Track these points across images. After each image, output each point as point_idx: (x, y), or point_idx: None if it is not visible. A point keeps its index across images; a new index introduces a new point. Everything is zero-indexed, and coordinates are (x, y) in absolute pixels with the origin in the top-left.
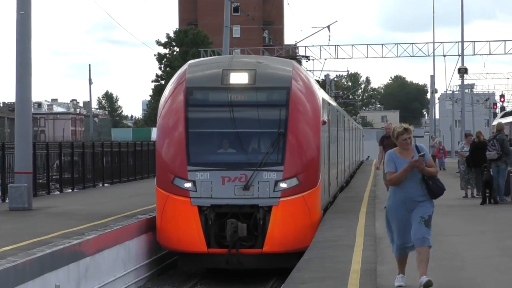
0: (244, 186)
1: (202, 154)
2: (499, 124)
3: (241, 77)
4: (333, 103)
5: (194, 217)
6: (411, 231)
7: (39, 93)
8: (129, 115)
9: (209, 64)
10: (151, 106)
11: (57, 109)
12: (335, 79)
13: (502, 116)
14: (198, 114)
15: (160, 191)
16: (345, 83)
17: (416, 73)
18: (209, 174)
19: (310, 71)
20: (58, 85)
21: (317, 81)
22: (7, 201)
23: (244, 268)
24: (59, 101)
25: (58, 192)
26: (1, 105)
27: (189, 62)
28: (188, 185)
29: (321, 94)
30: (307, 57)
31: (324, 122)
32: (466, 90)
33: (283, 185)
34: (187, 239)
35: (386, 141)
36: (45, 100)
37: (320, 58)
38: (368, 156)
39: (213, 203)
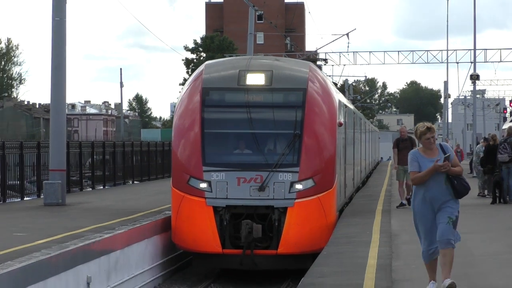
0: (259, 187)
1: (217, 155)
2: (510, 127)
3: (258, 78)
4: (350, 106)
5: (209, 218)
6: (437, 231)
7: (73, 95)
8: (158, 117)
9: (226, 65)
10: None
11: (90, 110)
12: (353, 84)
13: None
14: (214, 115)
15: (175, 191)
16: (362, 87)
17: (430, 79)
18: (225, 175)
19: (330, 76)
20: (91, 87)
21: (335, 83)
22: (42, 196)
23: (258, 269)
24: (92, 102)
25: (90, 189)
26: (37, 106)
27: (206, 62)
28: (203, 185)
29: (337, 96)
30: (325, 60)
31: (340, 124)
32: (478, 96)
33: (298, 186)
34: (202, 239)
35: (402, 144)
36: (79, 102)
37: (340, 64)
38: (382, 158)
39: (228, 203)
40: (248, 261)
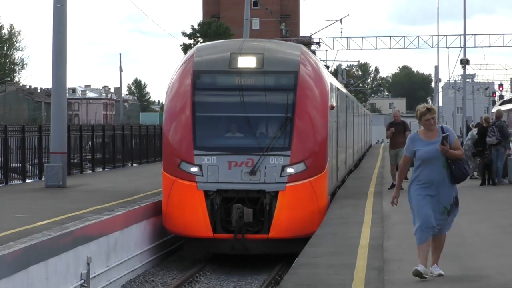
0: (250, 171)
1: (208, 138)
2: (499, 111)
3: (249, 61)
4: (343, 89)
5: (200, 202)
6: (434, 219)
7: (74, 80)
8: (157, 101)
9: (217, 48)
10: None
11: (90, 94)
12: (347, 68)
13: (501, 104)
14: (205, 98)
15: (166, 176)
16: (355, 72)
17: (421, 63)
18: (216, 159)
19: (323, 60)
20: (91, 72)
21: (327, 67)
22: (43, 179)
23: (250, 254)
24: (92, 87)
25: (90, 171)
26: (39, 90)
27: (198, 45)
28: (194, 169)
29: (329, 79)
30: (318, 44)
31: (332, 107)
32: (468, 80)
33: (290, 170)
34: (193, 224)
35: (395, 128)
36: (79, 86)
37: (333, 49)
38: (378, 140)
39: (219, 187)
40: (239, 245)
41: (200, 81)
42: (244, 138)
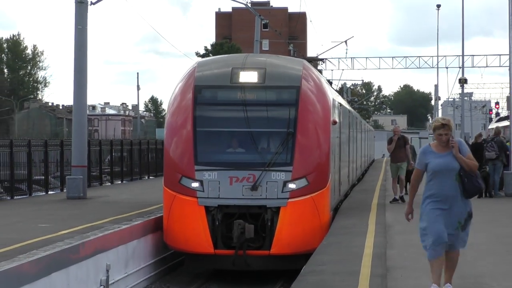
0: (252, 187)
1: (209, 154)
2: (497, 128)
3: (251, 76)
4: (346, 105)
5: (201, 218)
6: (448, 234)
7: (93, 97)
8: None
9: (218, 63)
10: None
11: (109, 111)
12: (351, 87)
13: (497, 121)
14: (206, 113)
15: (167, 191)
16: (359, 90)
17: (422, 82)
18: (217, 174)
19: (329, 80)
20: (110, 90)
21: (330, 82)
22: (64, 190)
23: (251, 270)
24: (111, 104)
25: (109, 184)
26: (61, 107)
27: (199, 60)
28: (195, 184)
29: (332, 94)
30: (321, 60)
31: (334, 122)
32: (466, 98)
33: (291, 185)
34: (194, 239)
35: (395, 143)
36: (99, 103)
37: (338, 69)
38: (384, 154)
39: (220, 203)
40: (241, 261)
41: (201, 95)
42: (246, 153)
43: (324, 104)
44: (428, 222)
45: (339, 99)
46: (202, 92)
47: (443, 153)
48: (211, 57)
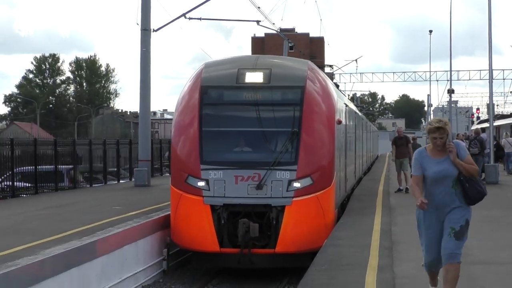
0: (257, 186)
1: (215, 153)
2: (477, 129)
3: (256, 76)
4: (351, 106)
5: (206, 216)
6: (441, 244)
7: (154, 105)
8: None
9: (225, 64)
10: None
11: (166, 116)
12: (360, 96)
13: (478, 123)
14: (212, 113)
15: (174, 190)
16: (367, 99)
17: (417, 92)
18: (222, 173)
19: (341, 91)
20: (167, 99)
21: (337, 85)
22: (133, 180)
23: (256, 268)
24: (168, 110)
25: (168, 174)
26: (129, 113)
27: (206, 62)
28: (201, 184)
29: (337, 94)
30: (330, 66)
31: (339, 122)
32: (453, 105)
33: (296, 184)
34: (200, 238)
35: (398, 142)
36: (158, 110)
37: (350, 82)
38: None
39: (226, 202)
40: (246, 260)
41: (207, 96)
42: (251, 153)
43: (329, 104)
44: (425, 245)
45: (345, 100)
46: (209, 92)
47: (440, 158)
48: (219, 59)
